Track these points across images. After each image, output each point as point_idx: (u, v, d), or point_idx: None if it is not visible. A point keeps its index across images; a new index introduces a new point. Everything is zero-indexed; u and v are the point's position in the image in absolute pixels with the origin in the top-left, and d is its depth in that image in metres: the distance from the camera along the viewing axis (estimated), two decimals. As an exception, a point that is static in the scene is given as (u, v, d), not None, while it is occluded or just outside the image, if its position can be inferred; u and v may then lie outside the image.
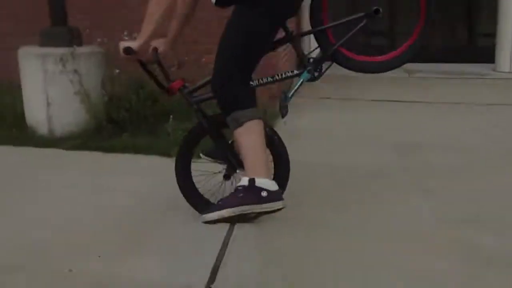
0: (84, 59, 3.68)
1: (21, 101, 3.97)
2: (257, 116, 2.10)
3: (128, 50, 2.19)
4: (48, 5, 3.79)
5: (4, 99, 4.15)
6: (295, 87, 2.25)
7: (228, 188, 2.32)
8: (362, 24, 2.18)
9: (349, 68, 2.28)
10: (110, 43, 3.60)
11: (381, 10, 2.14)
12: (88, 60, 3.71)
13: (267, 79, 2.22)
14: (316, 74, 2.25)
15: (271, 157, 2.24)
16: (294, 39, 2.28)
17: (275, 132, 2.29)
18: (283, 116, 2.21)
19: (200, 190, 2.31)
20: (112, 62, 3.64)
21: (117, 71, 3.73)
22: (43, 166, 3.22)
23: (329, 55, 2.23)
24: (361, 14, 2.17)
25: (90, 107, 3.69)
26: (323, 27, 2.23)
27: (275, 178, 2.20)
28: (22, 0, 4.98)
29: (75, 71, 3.62)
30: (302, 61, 2.27)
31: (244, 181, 2.12)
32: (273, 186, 2.11)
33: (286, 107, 2.20)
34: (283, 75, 2.25)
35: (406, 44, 2.22)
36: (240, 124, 2.06)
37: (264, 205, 2.09)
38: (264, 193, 2.07)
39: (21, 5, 4.99)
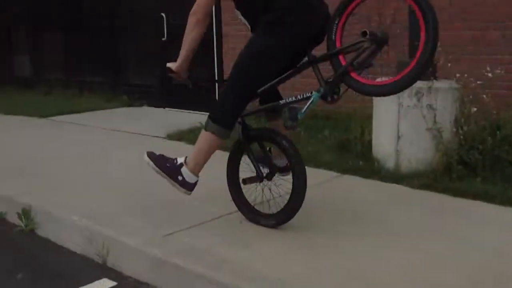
0: (440, 94, 4.11)
1: (370, 132, 4.70)
2: (220, 134, 3.08)
3: (168, 70, 3.21)
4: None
5: (353, 127, 4.97)
6: (306, 107, 2.94)
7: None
8: (371, 48, 2.66)
9: (359, 92, 2.82)
10: (469, 79, 3.92)
11: (388, 36, 2.61)
12: (445, 96, 4.12)
13: (285, 101, 3.09)
14: (335, 96, 2.91)
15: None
16: (313, 63, 2.94)
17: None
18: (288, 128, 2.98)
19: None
20: (469, 99, 3.95)
21: (474, 109, 4.03)
22: (388, 202, 3.76)
23: (340, 78, 2.83)
24: (367, 38, 2.64)
25: (441, 145, 4.09)
26: (334, 51, 2.80)
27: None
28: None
29: (430, 106, 4.08)
30: (319, 84, 2.90)
31: (181, 159, 3.19)
32: (190, 179, 3.14)
33: (295, 126, 2.94)
34: (299, 97, 3.02)
35: (406, 70, 2.63)
36: (205, 129, 3.13)
37: (174, 183, 3.15)
38: (179, 177, 3.13)
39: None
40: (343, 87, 2.93)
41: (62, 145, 5.75)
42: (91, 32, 9.75)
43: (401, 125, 4.28)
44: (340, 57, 2.86)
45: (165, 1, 7.98)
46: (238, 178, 3.43)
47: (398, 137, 4.30)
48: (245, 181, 3.38)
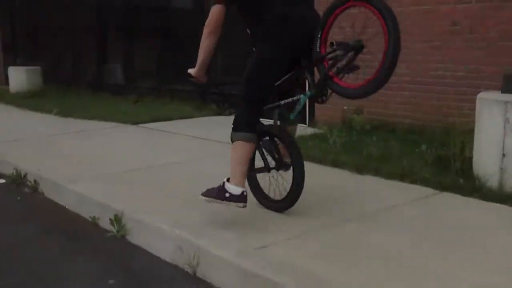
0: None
1: (471, 148, 4.46)
2: (243, 137, 3.45)
3: (189, 75, 3.72)
4: None
5: (452, 143, 4.74)
6: (296, 108, 3.56)
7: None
8: (348, 56, 3.15)
9: (338, 94, 3.33)
10: None
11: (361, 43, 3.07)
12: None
13: (278, 102, 3.62)
14: (323, 98, 3.52)
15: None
16: (307, 69, 3.50)
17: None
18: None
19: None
20: None
21: None
22: (498, 226, 3.55)
23: (323, 82, 3.34)
24: (336, 48, 3.15)
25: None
26: (319, 56, 3.30)
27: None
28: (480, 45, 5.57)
29: (539, 122, 3.83)
30: (308, 88, 3.47)
31: (225, 180, 3.46)
32: (237, 190, 3.37)
33: (285, 126, 3.68)
34: (291, 99, 3.57)
35: (372, 77, 3.05)
36: (232, 141, 3.51)
37: (225, 202, 3.39)
38: (227, 194, 3.38)
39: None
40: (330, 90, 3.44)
41: (153, 153, 5.86)
42: (181, 41, 9.96)
43: (507, 142, 4.03)
44: (325, 63, 3.34)
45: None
46: (254, 169, 3.86)
47: (503, 155, 4.06)
48: (254, 170, 3.86)
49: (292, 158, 3.62)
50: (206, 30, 3.67)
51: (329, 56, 3.28)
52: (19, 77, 12.00)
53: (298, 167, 3.60)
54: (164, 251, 3.46)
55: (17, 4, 13.07)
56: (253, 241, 3.21)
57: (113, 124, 7.87)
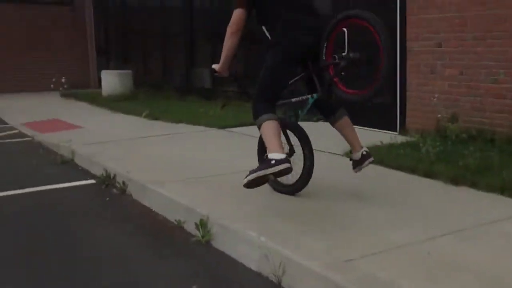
0: None
1: None
2: (266, 118, 3.83)
3: (213, 70, 4.26)
4: None
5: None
6: (306, 107, 4.06)
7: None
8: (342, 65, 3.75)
9: (342, 99, 3.87)
10: None
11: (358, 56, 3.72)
12: None
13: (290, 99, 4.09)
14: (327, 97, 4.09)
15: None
16: (315, 73, 3.98)
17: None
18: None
19: None
20: None
21: None
22: None
23: (329, 87, 3.88)
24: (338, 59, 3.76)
25: None
26: (325, 64, 3.84)
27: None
28: None
29: None
30: (316, 91, 3.95)
31: (265, 156, 3.87)
32: (279, 156, 3.66)
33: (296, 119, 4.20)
34: (300, 98, 4.05)
35: (371, 86, 3.67)
36: (258, 127, 3.91)
37: (272, 168, 3.63)
38: (273, 161, 3.65)
39: None
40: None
41: (239, 157, 5.85)
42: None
43: None
44: (330, 70, 3.90)
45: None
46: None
47: None
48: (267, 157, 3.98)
49: (304, 150, 4.20)
50: (229, 31, 4.14)
51: (334, 65, 3.87)
52: (111, 80, 12.45)
53: (310, 158, 4.17)
54: (249, 258, 3.40)
55: (111, 10, 13.58)
56: (341, 253, 3.10)
57: (200, 128, 7.97)
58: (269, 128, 3.87)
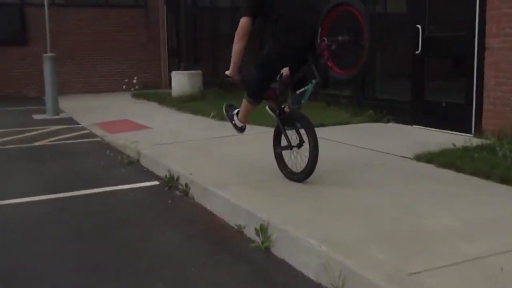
0: None
1: None
2: (249, 101, 4.76)
3: (225, 75, 4.74)
4: None
5: None
6: (307, 94, 4.47)
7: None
8: (333, 48, 4.30)
9: (335, 77, 4.56)
10: None
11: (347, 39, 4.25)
12: None
13: (295, 92, 4.59)
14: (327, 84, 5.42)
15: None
16: (313, 62, 4.45)
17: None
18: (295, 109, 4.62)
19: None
20: None
21: None
22: None
23: (324, 69, 4.41)
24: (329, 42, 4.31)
25: None
26: (320, 50, 4.37)
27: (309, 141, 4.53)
28: None
29: None
30: (315, 77, 4.41)
31: (236, 111, 5.14)
32: (239, 124, 5.11)
33: (299, 108, 4.56)
34: (302, 89, 4.50)
35: (356, 65, 4.28)
36: (244, 97, 4.74)
37: (232, 124, 5.12)
38: (233, 122, 5.11)
39: None
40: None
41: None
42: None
43: None
44: (325, 55, 4.39)
45: (422, 12, 7.55)
46: (280, 148, 4.97)
47: None
48: (281, 148, 4.96)
49: (310, 140, 4.56)
50: (236, 37, 4.64)
51: (325, 49, 4.37)
52: (181, 81, 12.60)
53: (315, 148, 4.54)
54: (308, 267, 3.28)
55: (182, 12, 13.75)
56: (406, 265, 2.93)
57: (267, 129, 7.87)
58: (247, 107, 4.93)
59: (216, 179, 4.96)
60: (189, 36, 14.28)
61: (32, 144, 8.02)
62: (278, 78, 4.77)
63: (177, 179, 5.31)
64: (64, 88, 15.25)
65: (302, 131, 4.68)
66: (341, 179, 4.90)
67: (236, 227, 4.11)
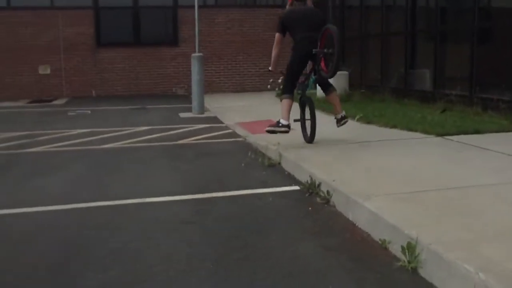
0: None
1: None
2: (287, 97, 6.97)
3: (269, 70, 7.44)
4: None
5: None
6: (310, 84, 7.52)
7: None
8: (326, 57, 6.58)
9: (323, 77, 6.77)
10: None
11: (331, 51, 6.43)
12: None
13: (304, 82, 7.31)
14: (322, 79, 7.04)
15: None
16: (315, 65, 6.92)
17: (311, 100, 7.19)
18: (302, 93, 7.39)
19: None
20: None
21: None
22: None
23: (319, 70, 6.75)
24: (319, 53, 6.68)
25: None
26: (318, 57, 6.72)
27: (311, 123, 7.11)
28: None
29: None
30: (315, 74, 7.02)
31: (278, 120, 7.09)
32: (285, 122, 6.85)
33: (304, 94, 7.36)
34: (307, 77, 7.28)
35: (330, 68, 6.52)
36: (280, 100, 7.10)
37: (279, 128, 6.85)
38: (280, 124, 6.85)
39: None
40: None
41: (460, 171, 5.29)
42: (500, 44, 9.00)
43: None
44: (322, 60, 6.72)
45: None
46: (304, 118, 7.34)
47: None
48: (303, 119, 7.35)
49: (311, 113, 7.06)
50: (274, 46, 7.19)
51: (320, 58, 6.73)
52: (326, 81, 12.39)
53: (313, 119, 7.04)
54: (463, 296, 2.92)
55: (328, 11, 13.58)
56: None
57: (416, 134, 7.45)
58: (286, 104, 7.00)
59: (360, 187, 4.68)
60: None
61: (176, 142, 8.25)
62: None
63: (319, 185, 5.11)
64: (210, 87, 15.74)
65: (307, 110, 7.23)
66: (504, 196, 4.41)
67: (380, 242, 3.82)
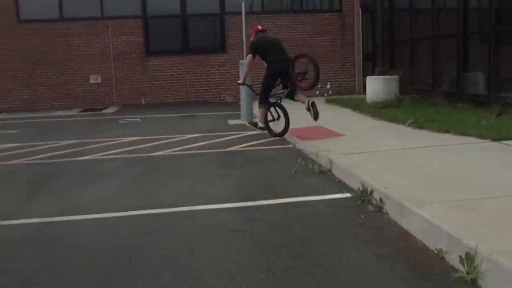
0: None
1: None
2: (263, 106, 9.09)
3: (238, 83, 10.33)
4: None
5: None
6: (283, 96, 9.18)
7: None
8: (301, 77, 9.32)
9: (300, 89, 9.16)
10: None
11: (307, 72, 9.40)
12: None
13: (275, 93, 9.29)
14: (293, 95, 9.09)
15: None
16: (288, 81, 9.09)
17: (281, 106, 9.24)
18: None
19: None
20: None
21: None
22: None
23: (294, 85, 9.04)
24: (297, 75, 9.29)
25: None
26: (291, 76, 9.10)
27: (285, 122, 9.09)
28: None
29: None
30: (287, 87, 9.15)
31: (256, 120, 9.71)
32: (262, 125, 9.27)
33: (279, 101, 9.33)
34: (278, 92, 9.24)
35: (308, 83, 9.40)
36: (259, 107, 9.20)
37: (257, 129, 9.38)
38: (258, 126, 9.34)
39: None
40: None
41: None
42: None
43: None
44: (294, 78, 9.13)
45: None
46: (277, 118, 9.28)
47: None
48: (269, 121, 9.26)
49: (284, 115, 9.00)
50: (246, 65, 9.32)
51: (295, 77, 9.06)
52: (375, 86, 12.21)
53: (287, 119, 8.89)
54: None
55: (378, 15, 13.38)
56: None
57: (470, 139, 7.24)
58: (262, 112, 9.02)
59: (413, 195, 4.56)
60: (385, 39, 13.85)
61: (225, 149, 8.26)
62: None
63: (371, 192, 5.00)
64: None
65: (280, 112, 9.13)
66: None
67: (436, 252, 3.70)
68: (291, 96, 8.98)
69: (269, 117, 9.20)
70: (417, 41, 13.89)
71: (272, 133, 9.17)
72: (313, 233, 4.33)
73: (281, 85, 9.12)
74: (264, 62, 9.08)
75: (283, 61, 8.85)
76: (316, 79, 9.19)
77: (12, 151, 8.86)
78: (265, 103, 8.94)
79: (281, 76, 8.96)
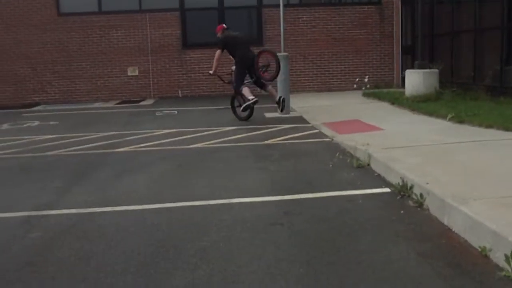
0: None
1: None
2: (244, 87, 10.80)
3: (209, 73, 11.27)
4: None
5: None
6: (250, 83, 11.14)
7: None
8: (266, 68, 10.85)
9: (264, 80, 10.88)
10: None
11: (269, 65, 10.91)
12: None
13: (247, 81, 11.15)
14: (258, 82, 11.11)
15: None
16: (253, 73, 10.89)
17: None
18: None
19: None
20: None
21: None
22: None
23: (259, 76, 10.80)
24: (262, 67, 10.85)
25: None
26: (256, 69, 10.77)
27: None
28: None
29: None
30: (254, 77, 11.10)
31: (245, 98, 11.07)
32: (250, 96, 10.51)
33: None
34: (246, 82, 10.99)
35: (271, 75, 10.90)
36: (239, 92, 10.86)
37: (249, 102, 10.45)
38: (249, 98, 10.50)
39: None
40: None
41: None
42: None
43: None
44: (259, 70, 10.82)
45: None
46: (234, 107, 11.19)
47: None
48: (237, 106, 11.12)
49: (246, 102, 10.60)
50: (215, 59, 10.74)
51: (259, 69, 10.75)
52: (415, 80, 12.02)
53: (252, 106, 10.67)
54: None
55: (419, 7, 13.16)
56: None
57: (514, 135, 7.07)
58: (246, 89, 10.52)
59: (455, 190, 4.47)
60: (425, 32, 13.62)
61: (263, 143, 8.25)
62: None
63: (411, 187, 4.93)
64: (295, 86, 15.67)
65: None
66: None
67: (479, 249, 3.62)
68: (257, 84, 10.99)
69: (236, 103, 11.02)
70: (459, 33, 13.62)
71: (239, 117, 10.86)
72: (352, 228, 4.28)
73: (248, 75, 10.89)
74: (232, 57, 10.88)
75: (249, 58, 10.61)
76: (277, 71, 10.71)
77: (53, 142, 9.02)
78: (241, 86, 10.65)
79: (248, 69, 10.71)
